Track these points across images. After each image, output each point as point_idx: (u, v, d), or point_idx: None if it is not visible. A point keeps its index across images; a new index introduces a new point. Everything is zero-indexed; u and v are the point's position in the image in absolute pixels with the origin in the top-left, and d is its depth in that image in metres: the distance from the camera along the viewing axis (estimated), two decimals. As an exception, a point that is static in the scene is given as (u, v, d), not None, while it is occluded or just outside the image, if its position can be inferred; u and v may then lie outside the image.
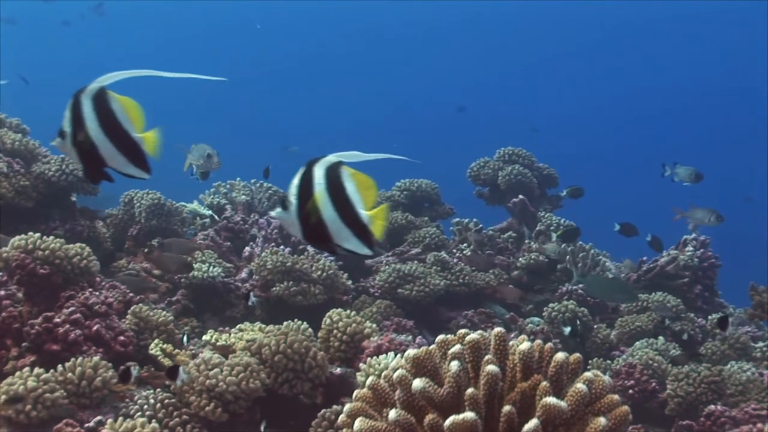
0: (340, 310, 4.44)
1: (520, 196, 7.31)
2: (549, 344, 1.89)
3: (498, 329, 1.90)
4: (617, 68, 35.70)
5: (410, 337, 5.17)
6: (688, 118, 33.77)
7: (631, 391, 4.97)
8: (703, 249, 6.85)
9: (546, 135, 31.51)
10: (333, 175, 2.04)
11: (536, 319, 6.09)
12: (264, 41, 37.32)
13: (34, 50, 30.99)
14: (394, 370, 1.88)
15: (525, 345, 1.83)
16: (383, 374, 1.98)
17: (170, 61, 32.50)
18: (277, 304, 5.49)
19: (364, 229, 2.06)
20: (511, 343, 1.91)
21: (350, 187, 2.04)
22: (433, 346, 1.95)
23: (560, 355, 1.82)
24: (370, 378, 1.98)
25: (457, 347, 1.86)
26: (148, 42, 36.02)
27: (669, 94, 34.40)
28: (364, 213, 2.05)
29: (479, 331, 1.85)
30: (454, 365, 1.78)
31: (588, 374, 1.85)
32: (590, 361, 5.41)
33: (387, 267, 6.21)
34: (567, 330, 5.42)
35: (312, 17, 37.17)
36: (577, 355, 1.89)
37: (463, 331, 1.94)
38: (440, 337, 2.01)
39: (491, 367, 1.76)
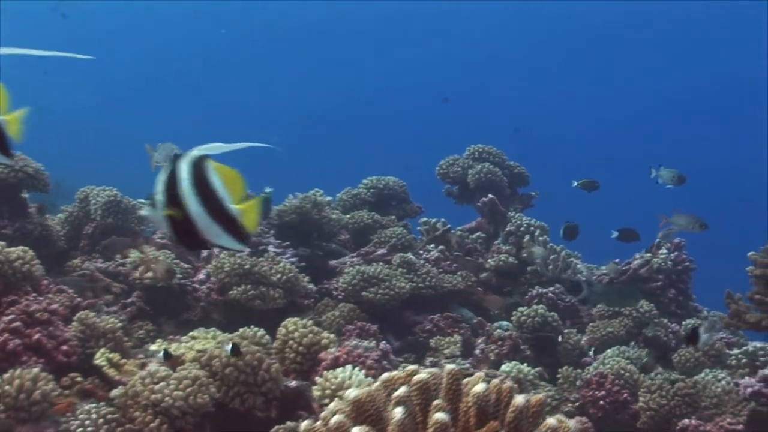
0: (296, 319, 4.22)
1: (490, 196, 7.14)
2: (508, 384, 1.68)
3: (450, 367, 1.70)
4: (610, 67, 35.76)
5: (373, 344, 4.99)
6: (682, 117, 33.82)
7: (602, 402, 4.78)
8: (678, 252, 6.69)
9: (542, 133, 31.71)
10: (198, 170, 1.92)
11: (505, 323, 5.91)
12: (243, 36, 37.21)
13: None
14: (333, 413, 1.66)
15: (480, 387, 1.63)
16: (322, 415, 1.76)
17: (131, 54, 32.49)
18: (235, 308, 5.27)
19: (235, 224, 1.95)
20: (465, 380, 1.69)
21: (216, 181, 1.93)
22: (377, 384, 1.74)
23: (520, 399, 1.62)
24: (305, 423, 1.76)
25: (403, 390, 1.65)
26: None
27: (666, 93, 34.43)
28: (233, 207, 1.94)
29: (429, 370, 1.65)
30: (398, 412, 1.57)
31: (551, 421, 1.64)
32: (560, 370, 5.22)
33: (351, 269, 6.01)
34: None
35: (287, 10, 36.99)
36: (539, 397, 1.68)
37: (411, 368, 1.73)
38: (385, 375, 1.80)
39: (439, 416, 1.55)
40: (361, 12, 37.16)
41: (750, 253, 4.55)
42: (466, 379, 1.71)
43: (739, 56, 33.25)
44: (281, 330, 4.19)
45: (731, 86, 33.08)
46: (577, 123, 35.01)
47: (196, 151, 1.93)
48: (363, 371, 3.77)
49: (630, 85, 35.33)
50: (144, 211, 5.63)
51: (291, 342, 4.11)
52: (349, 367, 3.77)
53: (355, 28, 37.88)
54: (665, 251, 6.64)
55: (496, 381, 1.68)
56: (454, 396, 1.66)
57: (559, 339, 5.43)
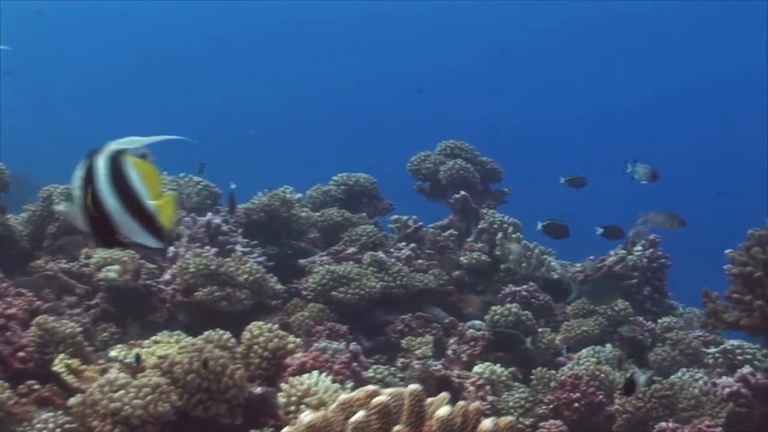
0: (261, 323, 4.09)
1: (462, 192, 7.03)
2: (474, 405, 1.56)
3: (412, 387, 1.58)
4: (585, 66, 35.83)
5: (343, 345, 4.88)
6: (662, 116, 33.89)
7: (576, 404, 4.67)
8: (653, 249, 6.60)
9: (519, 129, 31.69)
10: (115, 164, 1.86)
11: (477, 323, 5.80)
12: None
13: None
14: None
15: (444, 410, 1.50)
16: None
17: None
18: (201, 309, 5.13)
19: (152, 220, 1.90)
20: (429, 401, 1.57)
21: (134, 176, 1.87)
22: (334, 407, 1.62)
23: (487, 424, 1.50)
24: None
25: (361, 414, 1.53)
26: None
27: (646, 91, 34.48)
28: (150, 203, 1.88)
29: (389, 391, 1.52)
30: (355, 441, 1.45)
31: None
32: (534, 371, 5.11)
33: (320, 268, 5.90)
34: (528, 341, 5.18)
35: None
36: (508, 420, 1.56)
37: (369, 388, 1.60)
38: (342, 397, 1.68)
39: (400, 444, 1.43)
40: (331, 8, 37.02)
41: (727, 251, 4.46)
42: (430, 400, 1.59)
43: (717, 52, 33.41)
44: (246, 334, 4.07)
45: (710, 84, 33.23)
46: (553, 120, 34.96)
47: (114, 146, 1.86)
48: (330, 377, 3.65)
49: (608, 83, 35.38)
50: (60, 207, 5.48)
51: (256, 347, 3.98)
52: (315, 372, 3.64)
53: (325, 24, 37.72)
54: (640, 248, 6.55)
55: (461, 403, 1.56)
56: (417, 419, 1.54)
57: (527, 341, 5.27)
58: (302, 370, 3.81)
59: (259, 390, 3.75)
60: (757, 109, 30.01)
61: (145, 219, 1.88)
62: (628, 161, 5.94)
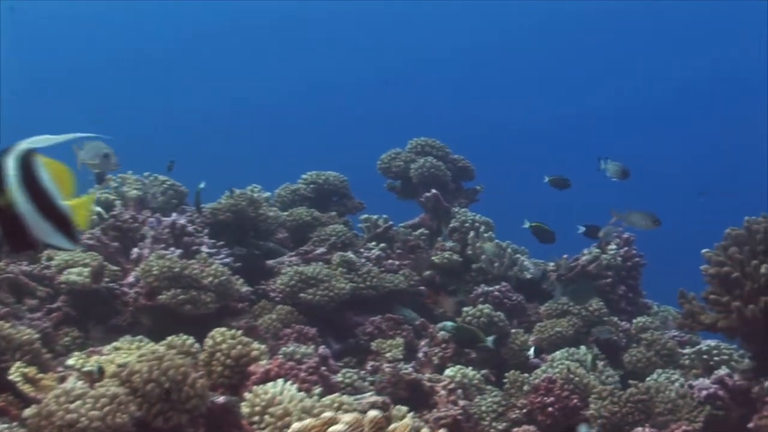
0: (223, 329, 3.94)
1: (433, 191, 6.92)
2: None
3: (372, 414, 1.45)
4: (564, 64, 35.88)
5: (311, 348, 4.77)
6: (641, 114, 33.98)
7: (550, 408, 4.55)
8: (627, 247, 6.52)
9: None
10: (26, 165, 1.78)
11: (449, 324, 5.68)
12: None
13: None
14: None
15: (407, 440, 1.37)
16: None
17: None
18: (166, 313, 4.99)
19: (65, 222, 1.83)
20: (392, 428, 1.45)
21: (45, 176, 1.79)
22: (288, 436, 1.49)
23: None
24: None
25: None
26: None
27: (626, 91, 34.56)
28: (63, 204, 1.81)
29: (348, 419, 1.39)
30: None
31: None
32: (506, 374, 5.00)
33: (289, 269, 5.78)
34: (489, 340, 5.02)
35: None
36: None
37: (326, 416, 1.47)
38: (296, 426, 1.54)
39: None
40: (302, 7, 36.90)
41: (704, 251, 4.38)
42: (393, 426, 1.47)
43: (709, 50, 33.54)
44: (208, 341, 3.92)
45: (704, 81, 33.35)
46: (535, 119, 34.97)
47: (24, 145, 1.78)
48: (296, 385, 3.52)
49: (584, 81, 35.46)
50: None
51: (218, 354, 3.83)
52: (280, 381, 3.51)
53: (294, 23, 37.60)
54: (614, 247, 6.47)
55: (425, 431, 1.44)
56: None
57: (488, 340, 5.11)
58: (266, 378, 3.68)
59: (222, 399, 3.62)
60: (755, 107, 30.16)
61: (59, 220, 1.81)
62: (600, 158, 5.88)
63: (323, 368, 4.41)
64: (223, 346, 3.83)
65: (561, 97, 35.15)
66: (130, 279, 5.34)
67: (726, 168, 29.44)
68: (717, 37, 32.94)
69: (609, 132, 31.59)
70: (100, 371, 3.67)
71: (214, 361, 3.83)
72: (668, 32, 33.84)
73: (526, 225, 6.06)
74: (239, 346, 3.83)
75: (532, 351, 5.27)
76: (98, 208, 6.35)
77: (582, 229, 6.07)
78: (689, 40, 33.49)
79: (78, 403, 3.29)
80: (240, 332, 3.95)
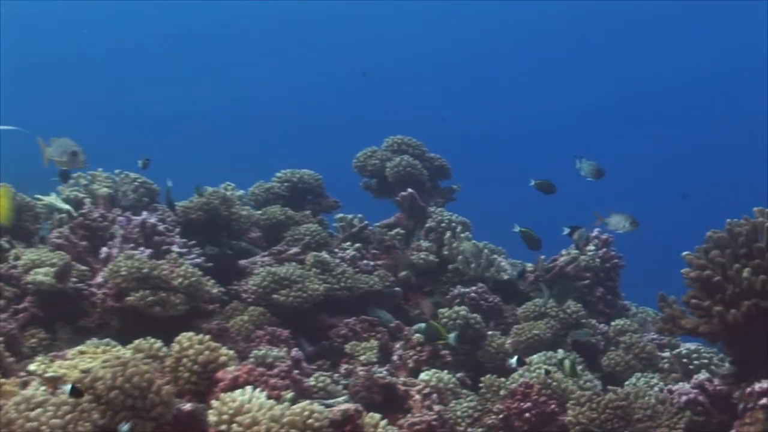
0: (190, 334, 3.83)
1: (409, 190, 6.82)
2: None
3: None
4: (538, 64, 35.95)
5: (284, 351, 4.67)
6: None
7: (527, 414, 4.45)
8: (606, 248, 6.44)
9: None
10: None
11: (424, 326, 5.59)
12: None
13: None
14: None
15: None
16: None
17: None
18: (134, 315, 4.87)
19: None
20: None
21: None
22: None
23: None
24: None
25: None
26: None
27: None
28: None
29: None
30: None
31: None
32: (482, 379, 4.89)
33: (261, 269, 5.68)
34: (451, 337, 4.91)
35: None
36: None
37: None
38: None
39: None
40: (278, 6, 36.93)
41: (684, 254, 4.29)
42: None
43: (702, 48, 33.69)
44: (174, 346, 3.81)
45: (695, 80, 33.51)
46: (497, 119, 35.03)
47: None
48: (265, 392, 3.41)
49: (568, 82, 35.56)
50: None
51: (185, 360, 3.72)
52: (249, 388, 3.39)
53: (267, 23, 37.62)
54: (593, 248, 6.39)
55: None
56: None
57: (450, 338, 4.99)
58: (235, 385, 3.57)
59: (188, 406, 3.50)
60: (738, 110, 30.34)
61: None
62: (576, 157, 5.81)
63: (296, 372, 4.33)
64: (190, 351, 3.72)
65: (544, 97, 35.25)
66: (99, 279, 5.22)
67: (709, 170, 29.57)
68: (699, 38, 33.12)
69: (590, 132, 31.64)
70: (76, 393, 3.48)
71: (181, 367, 3.71)
72: (653, 33, 34.02)
73: (516, 229, 5.97)
74: (207, 352, 3.72)
75: (514, 360, 5.13)
76: (67, 206, 6.24)
77: (566, 230, 6.00)
78: (672, 40, 33.65)
79: (39, 411, 3.18)
80: (208, 337, 3.84)
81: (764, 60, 29.97)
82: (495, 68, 36.31)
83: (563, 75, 35.49)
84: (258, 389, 3.40)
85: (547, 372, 4.90)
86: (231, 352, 3.86)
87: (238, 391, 3.37)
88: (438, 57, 36.47)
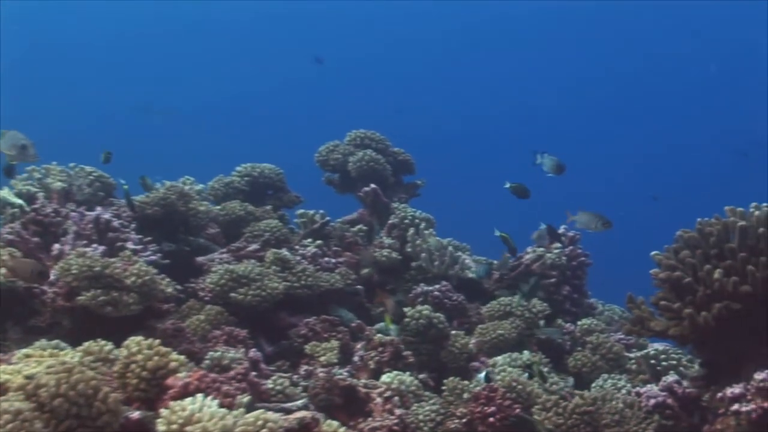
0: (139, 338, 3.65)
1: (372, 185, 6.70)
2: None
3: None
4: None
5: (242, 352, 4.52)
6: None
7: (492, 419, 4.31)
8: (572, 246, 6.33)
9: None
10: None
11: (384, 325, 5.48)
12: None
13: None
14: None
15: None
16: None
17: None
18: (86, 315, 4.70)
19: None
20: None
21: None
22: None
23: None
24: None
25: None
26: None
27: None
28: None
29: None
30: None
31: None
32: (445, 381, 4.75)
33: (219, 267, 5.53)
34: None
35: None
36: None
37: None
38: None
39: None
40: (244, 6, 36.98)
41: (653, 253, 4.18)
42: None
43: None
44: (122, 351, 3.64)
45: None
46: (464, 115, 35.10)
47: None
48: (217, 400, 3.25)
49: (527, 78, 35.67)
50: None
51: (133, 366, 3.55)
52: (200, 396, 3.23)
53: (229, 23, 37.65)
54: (559, 245, 6.29)
55: None
56: None
57: (391, 329, 4.91)
58: (186, 392, 3.40)
59: (136, 415, 3.34)
60: (710, 110, 30.56)
61: None
62: (537, 152, 5.71)
63: (253, 374, 4.19)
64: (139, 356, 3.55)
65: (516, 95, 35.37)
66: (51, 277, 5.06)
67: (680, 169, 29.77)
68: (684, 37, 33.27)
69: (561, 131, 31.76)
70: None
71: (129, 373, 3.54)
72: (633, 30, 34.12)
73: (497, 234, 5.88)
74: (156, 357, 3.55)
75: (482, 376, 4.95)
76: (20, 201, 6.06)
77: (542, 226, 5.92)
78: (654, 38, 33.82)
79: (-24, 420, 3.02)
80: (158, 342, 3.67)
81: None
82: (467, 65, 36.44)
83: (544, 73, 35.64)
84: (210, 397, 3.25)
85: (530, 375, 4.80)
86: (182, 357, 3.70)
87: (188, 400, 3.21)
88: (407, 54, 36.58)
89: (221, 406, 3.24)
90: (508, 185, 6.00)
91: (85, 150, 6.81)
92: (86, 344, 3.80)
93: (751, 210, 4.05)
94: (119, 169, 6.45)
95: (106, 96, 33.13)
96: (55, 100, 32.55)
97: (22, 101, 28.24)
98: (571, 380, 5.21)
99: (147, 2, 35.65)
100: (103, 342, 3.82)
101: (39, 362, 3.59)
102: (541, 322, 5.60)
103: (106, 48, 35.64)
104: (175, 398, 3.35)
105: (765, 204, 4.05)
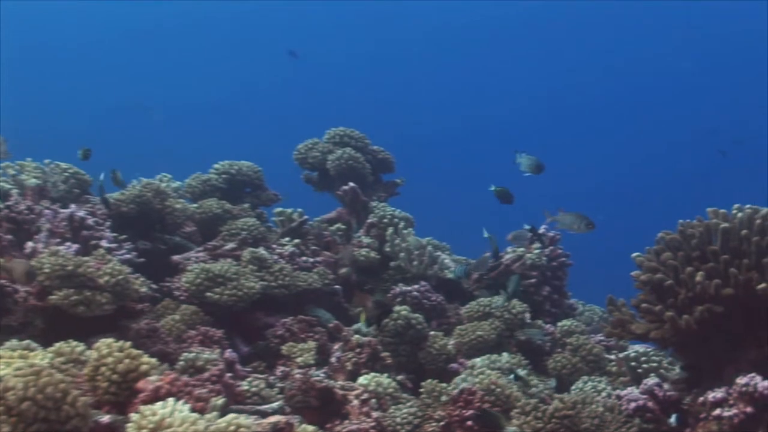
0: (110, 340, 3.58)
1: (351, 184, 6.63)
2: None
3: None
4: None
5: (217, 353, 4.44)
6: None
7: (470, 422, 4.25)
8: (553, 246, 6.28)
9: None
10: None
11: (362, 325, 5.41)
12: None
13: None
14: None
15: None
16: None
17: None
18: (59, 314, 4.62)
19: None
20: None
21: None
22: None
23: None
24: None
25: None
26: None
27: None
28: None
29: None
30: None
31: None
32: (422, 384, 4.67)
33: (195, 266, 5.45)
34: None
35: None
36: None
37: None
38: None
39: None
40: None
41: (634, 255, 4.13)
42: None
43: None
44: (93, 354, 3.56)
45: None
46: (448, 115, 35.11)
47: None
48: (188, 405, 3.17)
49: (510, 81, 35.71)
50: None
51: (103, 368, 3.47)
52: (171, 400, 3.16)
53: (215, 22, 37.63)
54: (539, 245, 6.23)
55: None
56: None
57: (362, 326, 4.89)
58: (156, 396, 3.32)
59: (107, 419, 3.26)
60: (692, 111, 30.63)
61: None
62: (516, 151, 5.65)
63: (228, 375, 4.11)
64: (109, 359, 3.47)
65: (493, 96, 35.39)
66: (24, 276, 4.98)
67: (663, 170, 29.86)
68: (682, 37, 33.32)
69: (532, 131, 31.78)
70: None
71: (99, 376, 3.46)
72: (619, 30, 34.17)
73: (486, 235, 5.82)
74: (127, 360, 3.47)
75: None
76: (-6, 198, 5.97)
77: (527, 228, 5.87)
78: (651, 40, 33.87)
79: (-58, 425, 2.94)
80: (129, 344, 3.59)
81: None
82: (450, 64, 36.50)
83: (527, 73, 35.70)
84: (181, 401, 3.17)
85: (517, 377, 4.75)
86: (153, 360, 3.62)
87: (159, 404, 3.14)
88: (391, 53, 36.62)
89: (194, 410, 3.16)
90: (492, 188, 5.94)
91: (73, 148, 6.71)
92: (57, 345, 3.74)
93: (734, 212, 4.02)
94: (98, 167, 6.37)
95: (91, 95, 33.11)
96: (51, 98, 32.49)
97: (21, 101, 28.23)
98: (553, 382, 5.16)
99: (134, 3, 35.61)
100: (75, 343, 3.76)
101: (8, 364, 3.52)
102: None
103: (87, 47, 35.58)
104: (145, 402, 3.27)
105: (748, 206, 4.01)
